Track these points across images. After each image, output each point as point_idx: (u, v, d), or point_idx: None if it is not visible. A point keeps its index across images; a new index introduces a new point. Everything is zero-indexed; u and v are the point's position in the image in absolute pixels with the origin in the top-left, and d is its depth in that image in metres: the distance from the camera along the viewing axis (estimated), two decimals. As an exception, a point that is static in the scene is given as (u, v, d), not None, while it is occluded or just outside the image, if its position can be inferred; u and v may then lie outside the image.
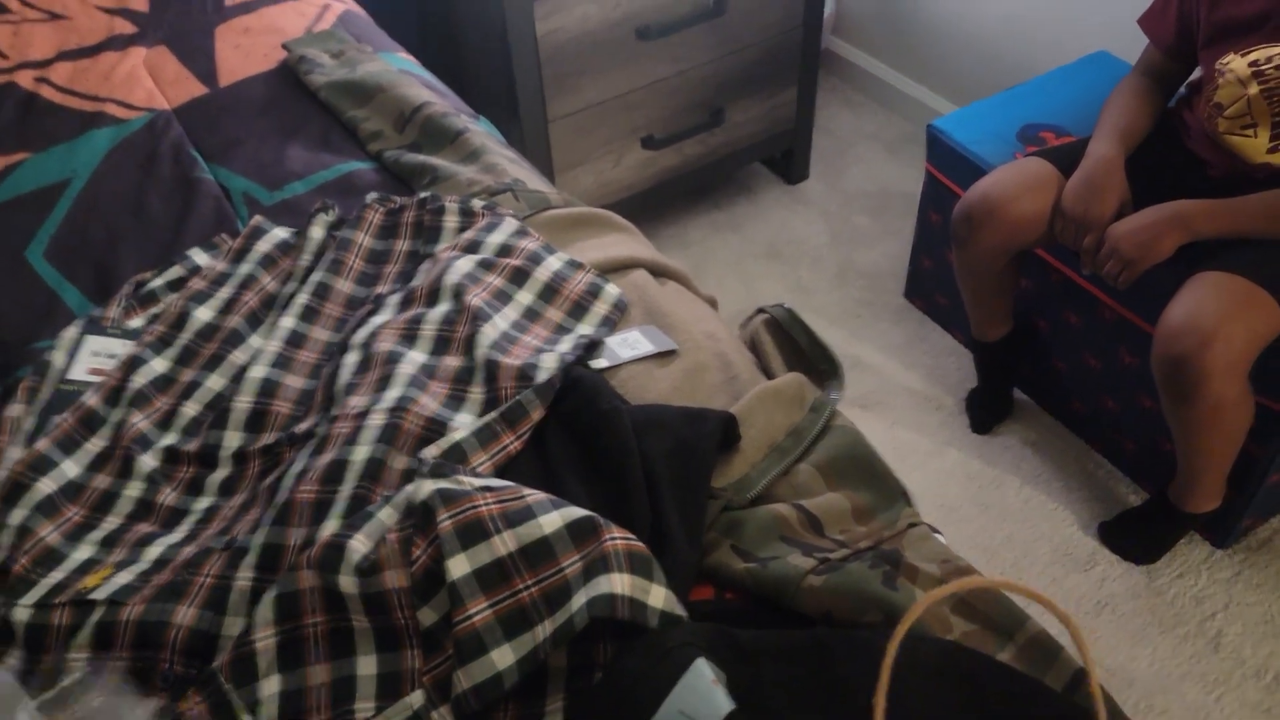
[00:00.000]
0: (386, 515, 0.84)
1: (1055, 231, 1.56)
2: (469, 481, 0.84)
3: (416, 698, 0.78)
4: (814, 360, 1.11)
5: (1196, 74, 1.56)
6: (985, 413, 1.93)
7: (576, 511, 0.80)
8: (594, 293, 1.13)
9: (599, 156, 2.10)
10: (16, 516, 0.93)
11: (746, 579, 0.86)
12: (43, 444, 0.99)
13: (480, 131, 1.38)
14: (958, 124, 1.89)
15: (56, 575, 0.89)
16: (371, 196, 1.24)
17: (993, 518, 1.77)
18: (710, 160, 2.27)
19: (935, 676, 0.76)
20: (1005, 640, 0.84)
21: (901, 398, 1.98)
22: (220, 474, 0.99)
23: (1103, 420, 1.80)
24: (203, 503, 0.97)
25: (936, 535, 0.94)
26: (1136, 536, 1.70)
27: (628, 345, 1.10)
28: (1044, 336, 1.85)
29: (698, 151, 2.24)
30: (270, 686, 0.78)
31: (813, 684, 0.76)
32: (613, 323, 1.12)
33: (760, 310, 1.19)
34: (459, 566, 0.78)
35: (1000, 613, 0.85)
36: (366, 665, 0.80)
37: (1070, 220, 1.51)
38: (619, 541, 0.78)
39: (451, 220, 1.20)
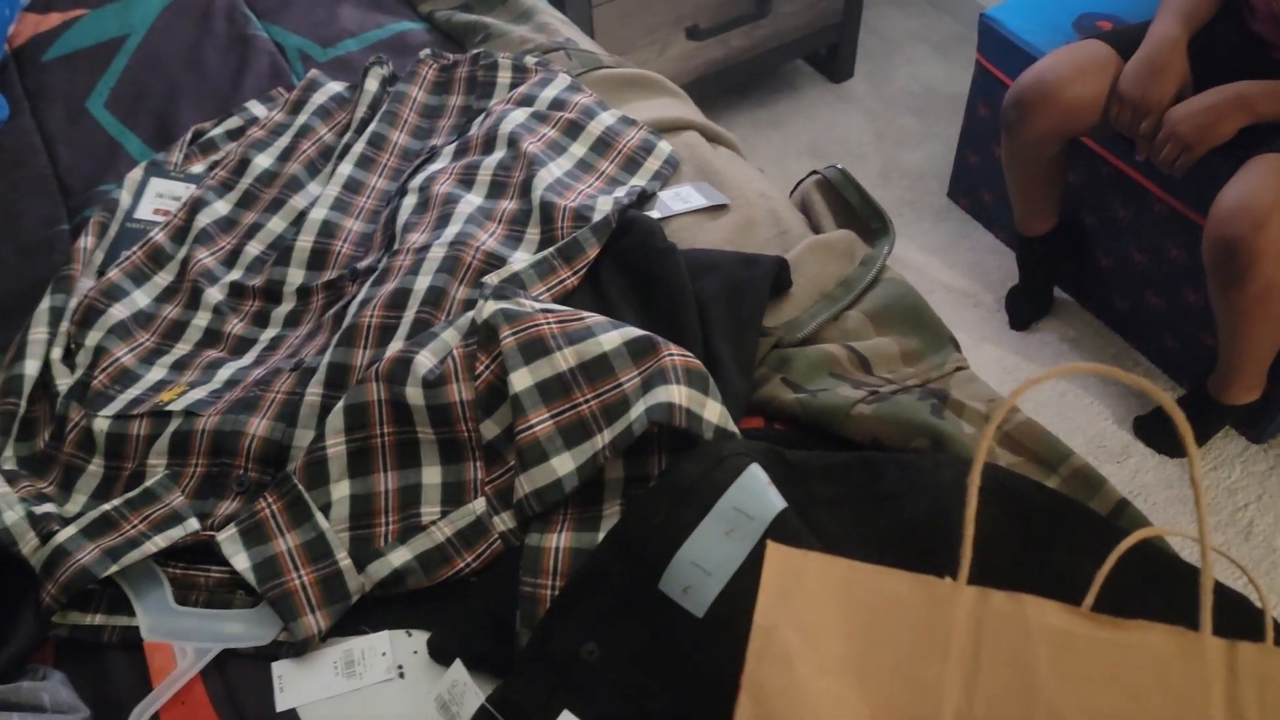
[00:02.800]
0: (450, 335, 0.87)
1: (1111, 116, 1.54)
2: (529, 304, 0.87)
3: (479, 504, 0.81)
4: (865, 219, 1.12)
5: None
6: (1025, 309, 1.92)
7: (634, 331, 0.83)
8: (647, 148, 1.14)
9: (643, 46, 2.08)
10: (92, 338, 0.96)
11: (796, 407, 0.88)
12: (114, 274, 1.02)
13: (532, -7, 1.38)
14: (1011, 12, 1.86)
15: (133, 391, 0.93)
16: (425, 53, 1.25)
17: (1028, 412, 1.78)
18: (755, 54, 2.25)
19: (984, 494, 0.79)
20: (1049, 472, 0.86)
21: (940, 294, 1.98)
22: (285, 308, 1.02)
23: (1144, 316, 1.80)
24: (269, 333, 1.00)
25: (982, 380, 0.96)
26: (1170, 431, 1.71)
27: (680, 199, 1.11)
28: (1089, 232, 1.84)
29: (742, 44, 2.21)
30: (341, 490, 0.82)
31: (859, 499, 0.79)
32: (664, 178, 1.12)
33: (813, 172, 1.19)
34: (521, 380, 0.81)
35: (1045, 446, 0.87)
36: (431, 475, 0.83)
37: (1128, 103, 1.49)
38: (677, 358, 0.80)
39: (504, 76, 1.21)
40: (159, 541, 0.80)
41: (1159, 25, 1.50)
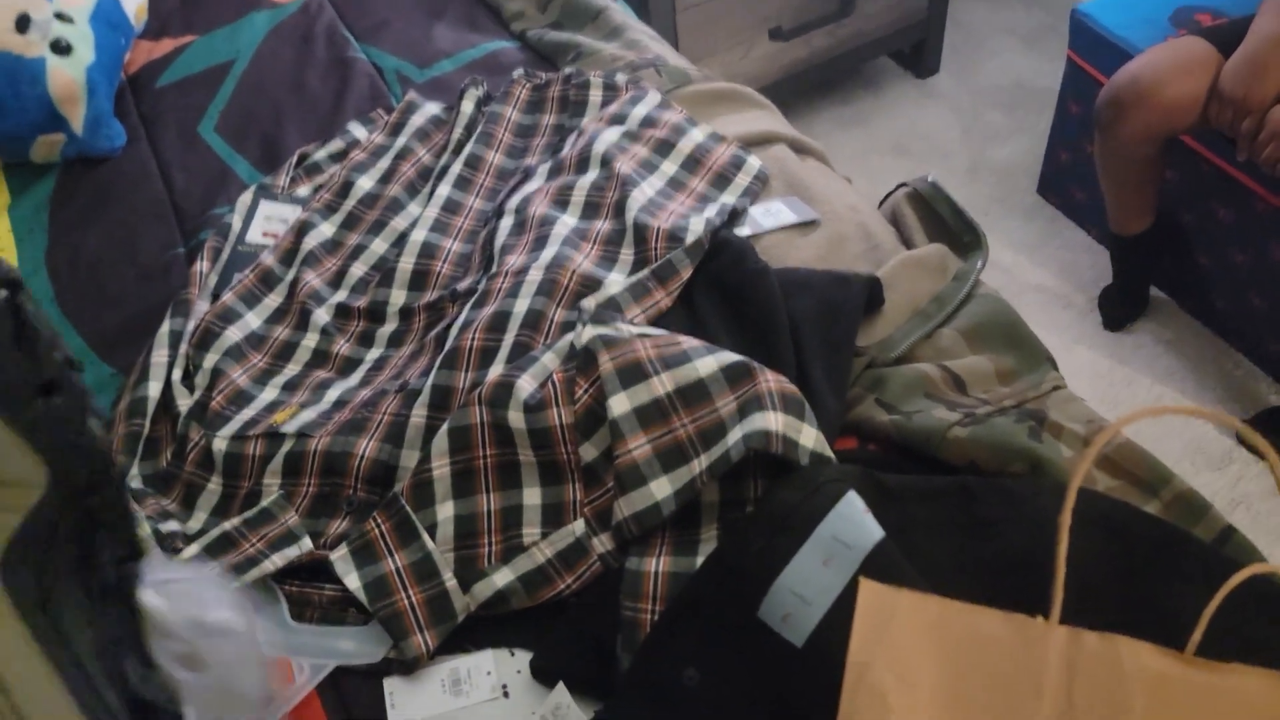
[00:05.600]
0: (549, 359, 0.89)
1: (1211, 115, 1.49)
2: (626, 329, 0.88)
3: (579, 526, 0.84)
4: (957, 232, 1.11)
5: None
6: (1119, 309, 1.88)
7: (730, 356, 0.84)
8: (736, 164, 1.15)
9: (727, 48, 2.08)
10: (210, 360, 1.01)
11: (891, 429, 0.88)
12: (228, 298, 1.07)
13: (619, 9, 1.39)
14: (1105, 7, 1.81)
15: (248, 412, 0.97)
16: (518, 73, 1.28)
17: (1123, 416, 1.75)
18: (838, 52, 2.23)
19: (1082, 523, 0.78)
20: (1150, 496, 0.85)
21: (1030, 295, 1.94)
22: (389, 328, 1.06)
23: (1245, 318, 1.74)
24: (374, 353, 1.04)
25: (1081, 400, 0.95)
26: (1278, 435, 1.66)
27: (770, 214, 1.12)
28: (1187, 231, 1.79)
29: (826, 44, 2.20)
30: (446, 511, 0.85)
31: (955, 524, 0.79)
32: (755, 193, 1.13)
33: (901, 184, 1.19)
34: (620, 404, 0.83)
35: (1146, 469, 0.85)
36: (532, 496, 0.86)
37: (1228, 102, 1.44)
38: (772, 383, 0.81)
39: (596, 94, 1.23)
40: (276, 560, 0.84)
41: (1262, 21, 1.44)
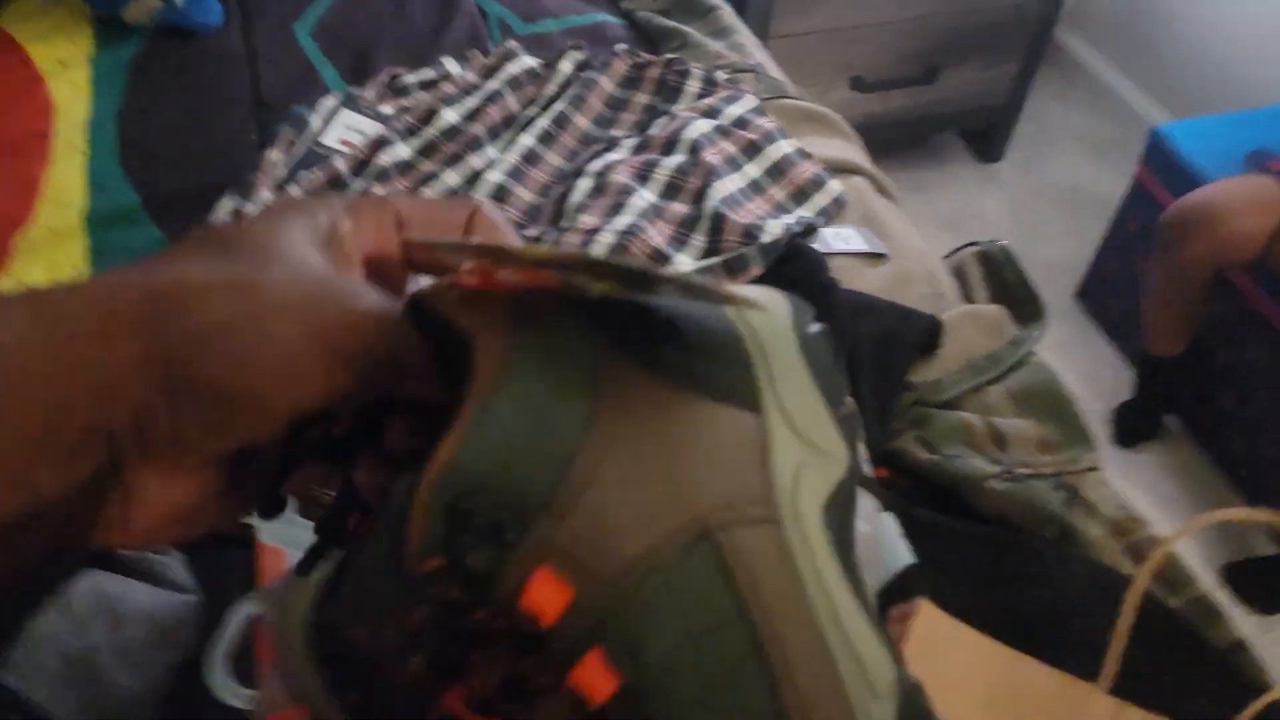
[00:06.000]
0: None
1: (1271, 257, 1.51)
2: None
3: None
4: (1020, 299, 1.11)
5: None
6: (1133, 428, 1.89)
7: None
8: (818, 183, 1.14)
9: (807, 85, 2.10)
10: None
11: (928, 467, 0.88)
12: (293, 190, 1.06)
13: (730, 12, 1.40)
14: (1185, 133, 1.84)
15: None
16: (621, 47, 1.28)
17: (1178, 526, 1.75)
18: (912, 116, 2.25)
19: (1102, 600, 0.78)
20: (1169, 593, 0.84)
21: (1050, 392, 1.95)
22: (446, 258, 1.04)
23: (1255, 464, 1.75)
24: (427, 278, 1.03)
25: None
26: (1265, 585, 1.66)
27: (841, 239, 1.11)
28: (1216, 365, 1.80)
29: (902, 105, 2.22)
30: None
31: (980, 572, 0.78)
32: (830, 215, 1.13)
33: (972, 243, 1.19)
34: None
35: (1170, 567, 0.85)
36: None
37: (1292, 245, 1.46)
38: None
39: (694, 85, 1.23)
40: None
41: (1343, 176, 1.47)
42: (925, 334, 0.97)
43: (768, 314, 0.35)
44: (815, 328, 0.37)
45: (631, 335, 0.30)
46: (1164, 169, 1.83)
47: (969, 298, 1.13)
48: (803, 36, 2.01)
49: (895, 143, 2.42)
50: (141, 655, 0.72)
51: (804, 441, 0.31)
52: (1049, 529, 0.83)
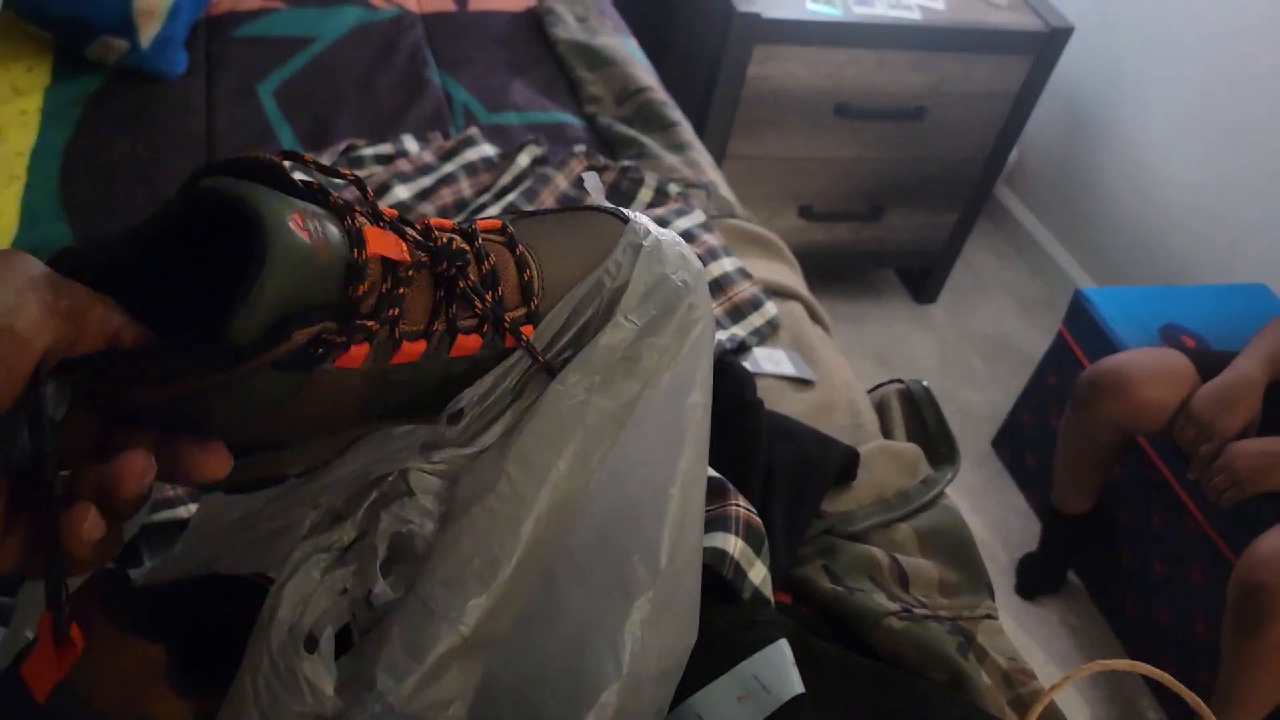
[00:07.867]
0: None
1: (1175, 428, 1.57)
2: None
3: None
4: (936, 442, 1.14)
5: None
6: (1035, 581, 1.92)
7: (710, 471, 0.83)
8: (755, 304, 1.17)
9: (756, 207, 2.16)
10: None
11: (830, 598, 0.88)
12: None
13: (688, 129, 1.44)
14: (1106, 299, 1.92)
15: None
16: (579, 148, 1.31)
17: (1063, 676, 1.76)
18: (854, 250, 2.33)
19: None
20: (1053, 750, 0.85)
21: (960, 534, 1.98)
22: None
23: (1148, 630, 1.79)
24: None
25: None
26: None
27: (771, 360, 1.13)
28: (1119, 528, 1.85)
29: (846, 238, 2.29)
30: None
31: (868, 709, 0.78)
32: (763, 336, 1.15)
33: (896, 380, 1.22)
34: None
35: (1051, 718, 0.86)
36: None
37: (1195, 422, 1.52)
38: (742, 510, 0.81)
39: (646, 194, 1.26)
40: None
41: (1245, 360, 1.54)
42: (842, 464, 0.99)
43: None
44: None
45: None
46: (1084, 330, 1.91)
47: (888, 433, 1.16)
48: (758, 160, 2.08)
49: (836, 273, 2.49)
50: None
51: None
52: (940, 672, 0.84)
